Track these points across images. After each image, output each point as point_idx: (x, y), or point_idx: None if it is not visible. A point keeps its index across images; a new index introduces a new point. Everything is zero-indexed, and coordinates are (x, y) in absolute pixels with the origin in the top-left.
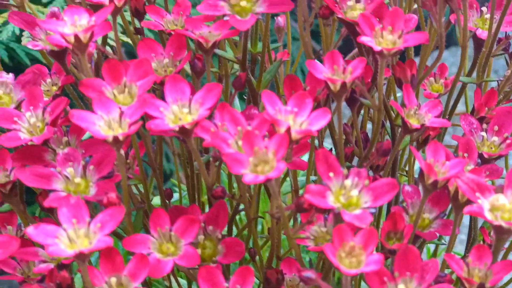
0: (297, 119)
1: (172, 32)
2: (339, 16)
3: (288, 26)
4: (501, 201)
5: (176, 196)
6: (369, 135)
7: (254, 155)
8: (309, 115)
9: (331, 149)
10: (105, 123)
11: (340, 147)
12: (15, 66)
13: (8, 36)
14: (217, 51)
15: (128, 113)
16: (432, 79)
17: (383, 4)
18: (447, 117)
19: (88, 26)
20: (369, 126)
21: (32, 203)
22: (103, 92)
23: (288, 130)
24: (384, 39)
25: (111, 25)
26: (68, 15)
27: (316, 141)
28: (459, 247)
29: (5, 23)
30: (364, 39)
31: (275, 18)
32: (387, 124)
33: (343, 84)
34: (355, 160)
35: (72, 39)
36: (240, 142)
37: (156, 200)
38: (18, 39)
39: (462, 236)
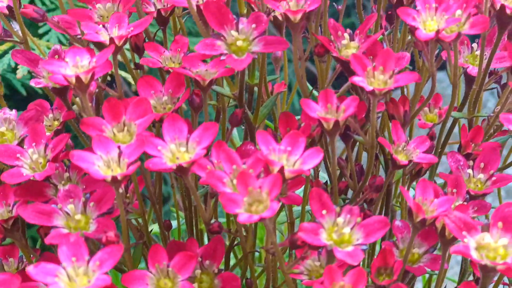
0: (291, 158)
1: (170, 70)
2: (334, 54)
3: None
4: (486, 240)
5: (174, 223)
6: (365, 163)
7: (249, 195)
8: (302, 154)
9: (326, 182)
10: (104, 163)
11: (334, 183)
12: (12, 94)
13: (4, 68)
14: (214, 87)
15: (127, 153)
16: (426, 109)
17: (376, 42)
18: (440, 149)
19: (90, 68)
20: (365, 154)
21: (30, 226)
22: (104, 130)
23: (282, 169)
24: (375, 79)
25: (112, 64)
26: (70, 56)
27: (312, 172)
28: (456, 268)
29: (1, 56)
30: (356, 80)
31: None
32: (381, 156)
33: (336, 123)
34: (350, 191)
35: (73, 80)
36: (235, 181)
37: (156, 228)
38: (14, 70)
39: (459, 257)
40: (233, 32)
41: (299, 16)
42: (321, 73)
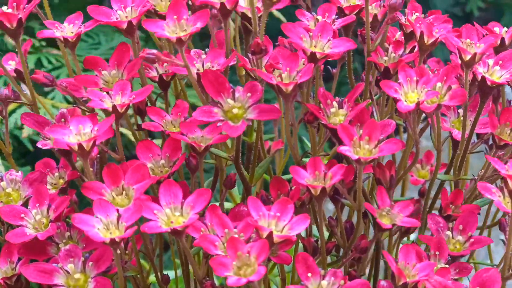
0: (280, 223)
1: (171, 134)
2: (323, 122)
3: (280, 104)
4: None
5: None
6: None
7: (238, 259)
8: (290, 220)
9: (317, 240)
10: (104, 225)
11: (322, 245)
12: (18, 146)
13: (11, 127)
14: (212, 150)
15: (125, 217)
16: (418, 165)
17: (364, 109)
18: (428, 208)
19: (91, 137)
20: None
21: None
22: (103, 194)
23: (270, 234)
24: (361, 148)
25: (113, 130)
26: (74, 124)
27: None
28: None
29: (9, 114)
30: (343, 149)
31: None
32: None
33: (323, 189)
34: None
35: (76, 148)
36: (226, 244)
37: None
38: (21, 127)
39: None
40: (229, 100)
41: (291, 87)
42: (313, 138)
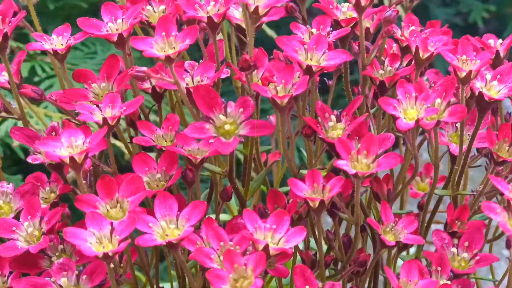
0: (275, 235)
1: (163, 148)
2: (320, 136)
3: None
4: None
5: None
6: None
7: (234, 271)
8: (286, 232)
9: (315, 253)
10: (97, 239)
11: (320, 257)
12: (11, 154)
13: (2, 135)
14: (206, 165)
15: (119, 230)
16: (418, 178)
17: (362, 123)
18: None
19: (83, 149)
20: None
21: None
22: (97, 207)
23: (267, 247)
24: (359, 162)
25: (106, 142)
26: (65, 137)
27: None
28: None
29: (1, 123)
30: (340, 163)
31: (267, 116)
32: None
33: (322, 202)
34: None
35: (68, 160)
36: (222, 257)
37: None
38: None
39: None
40: (221, 116)
41: (286, 100)
42: (310, 151)
